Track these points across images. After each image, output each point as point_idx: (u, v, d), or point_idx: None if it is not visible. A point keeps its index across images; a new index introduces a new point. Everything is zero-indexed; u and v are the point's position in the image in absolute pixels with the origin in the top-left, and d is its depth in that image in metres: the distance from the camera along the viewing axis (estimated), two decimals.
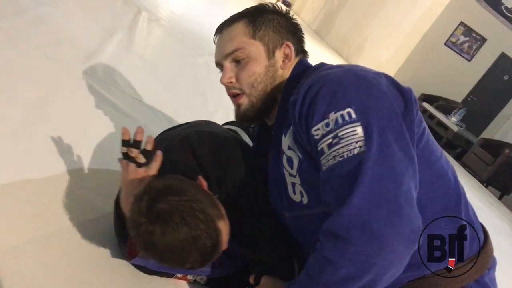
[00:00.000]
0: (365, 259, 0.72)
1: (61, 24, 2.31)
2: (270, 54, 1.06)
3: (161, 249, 0.87)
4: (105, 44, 2.41)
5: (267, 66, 1.05)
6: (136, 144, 1.02)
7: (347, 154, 0.78)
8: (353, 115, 0.79)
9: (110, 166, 1.48)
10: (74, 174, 1.35)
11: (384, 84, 0.86)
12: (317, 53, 7.82)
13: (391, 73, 8.49)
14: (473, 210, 0.98)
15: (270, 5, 1.12)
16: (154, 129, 1.87)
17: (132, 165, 1.01)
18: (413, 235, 0.73)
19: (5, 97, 1.48)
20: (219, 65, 1.11)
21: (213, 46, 1.13)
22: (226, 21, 1.10)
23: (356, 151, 0.77)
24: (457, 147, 6.91)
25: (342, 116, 0.80)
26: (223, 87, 1.12)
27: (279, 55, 1.07)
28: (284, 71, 1.07)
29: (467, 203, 0.96)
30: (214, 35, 1.12)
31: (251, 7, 1.11)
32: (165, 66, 2.66)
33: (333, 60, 8.38)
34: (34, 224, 1.09)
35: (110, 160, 1.50)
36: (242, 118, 1.10)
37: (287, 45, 1.07)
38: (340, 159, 0.78)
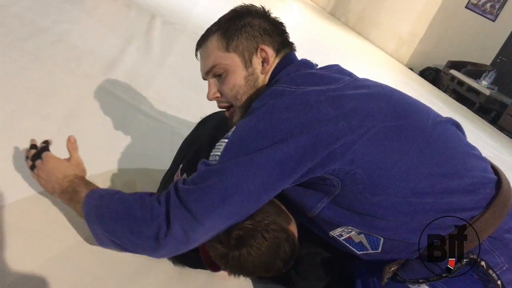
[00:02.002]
0: None
1: (80, 39, 2.37)
2: (247, 63, 1.04)
3: (249, 268, 0.94)
4: (125, 53, 2.47)
5: (246, 76, 1.04)
6: None
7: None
8: (229, 133, 0.90)
9: (145, 171, 1.52)
10: (110, 181, 1.39)
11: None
12: (335, 35, 7.73)
13: (413, 46, 8.29)
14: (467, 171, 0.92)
15: (244, 6, 1.08)
16: (183, 130, 1.91)
17: None
18: None
19: (38, 115, 1.54)
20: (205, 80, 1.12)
21: None
22: (202, 36, 1.09)
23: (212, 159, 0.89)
24: (491, 111, 6.69)
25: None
26: None
27: (256, 61, 1.04)
28: (266, 76, 1.05)
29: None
30: (195, 51, 1.12)
31: (226, 15, 1.09)
32: (184, 66, 2.69)
33: (353, 39, 8.26)
34: (70, 230, 1.14)
35: (145, 164, 1.54)
36: None
37: (262, 49, 1.04)
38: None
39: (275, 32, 1.07)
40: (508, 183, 0.95)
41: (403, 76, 6.95)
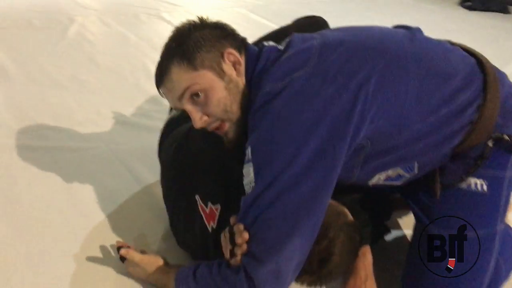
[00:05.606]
0: None
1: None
2: (220, 72, 0.97)
3: (342, 271, 1.03)
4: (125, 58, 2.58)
5: (226, 86, 0.97)
6: None
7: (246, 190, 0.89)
8: (249, 155, 0.88)
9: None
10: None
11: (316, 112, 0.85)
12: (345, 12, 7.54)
13: None
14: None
15: (183, 24, 1.01)
16: None
17: None
18: None
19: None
20: (180, 109, 1.03)
21: None
22: (160, 72, 1.00)
23: (248, 190, 0.88)
24: None
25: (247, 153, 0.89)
26: None
27: (227, 67, 0.98)
28: (242, 77, 1.00)
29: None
30: (158, 89, 1.04)
31: (170, 41, 1.01)
32: None
33: (362, 21, 8.05)
34: (99, 231, 1.22)
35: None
36: (235, 144, 1.02)
37: (229, 53, 0.98)
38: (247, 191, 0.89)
39: (227, 34, 1.02)
40: (483, 56, 1.02)
41: None
